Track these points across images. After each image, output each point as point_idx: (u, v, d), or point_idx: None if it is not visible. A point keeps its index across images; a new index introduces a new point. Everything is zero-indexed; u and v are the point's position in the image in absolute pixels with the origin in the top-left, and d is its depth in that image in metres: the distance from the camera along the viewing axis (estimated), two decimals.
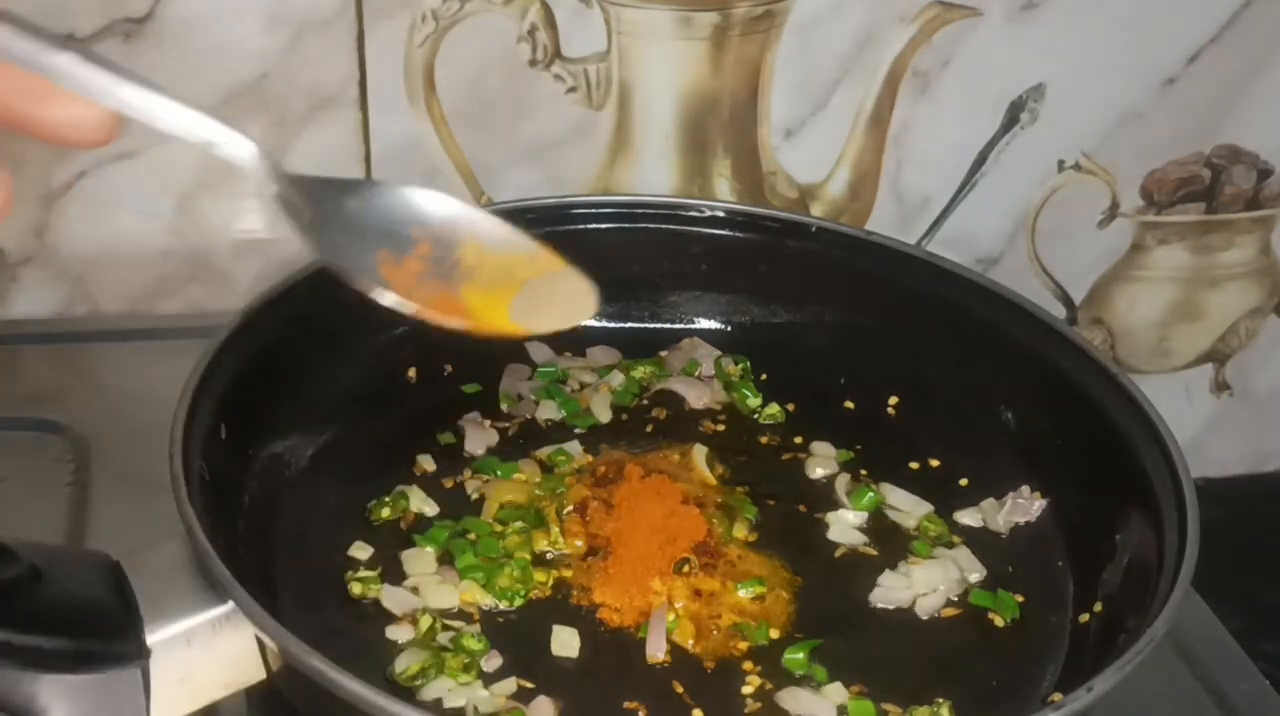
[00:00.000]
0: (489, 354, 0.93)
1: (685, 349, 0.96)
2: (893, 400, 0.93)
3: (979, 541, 0.83)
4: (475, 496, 0.83)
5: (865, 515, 0.84)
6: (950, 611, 0.79)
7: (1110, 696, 0.65)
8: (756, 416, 0.92)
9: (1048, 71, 1.14)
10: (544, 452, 0.86)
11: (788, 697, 0.73)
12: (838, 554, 0.82)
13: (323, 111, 1.06)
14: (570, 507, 0.82)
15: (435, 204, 0.64)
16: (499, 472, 0.84)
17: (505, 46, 1.06)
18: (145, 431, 0.74)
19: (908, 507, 0.85)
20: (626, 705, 0.72)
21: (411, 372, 0.91)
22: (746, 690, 0.73)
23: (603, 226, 0.95)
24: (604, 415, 0.90)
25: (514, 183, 1.11)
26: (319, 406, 0.86)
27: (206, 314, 1.07)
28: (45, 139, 0.52)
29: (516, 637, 0.75)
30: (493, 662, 0.73)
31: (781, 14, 1.08)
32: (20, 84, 0.51)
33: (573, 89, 1.09)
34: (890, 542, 0.83)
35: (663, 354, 0.95)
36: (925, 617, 0.79)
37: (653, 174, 1.13)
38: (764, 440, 0.90)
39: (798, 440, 0.90)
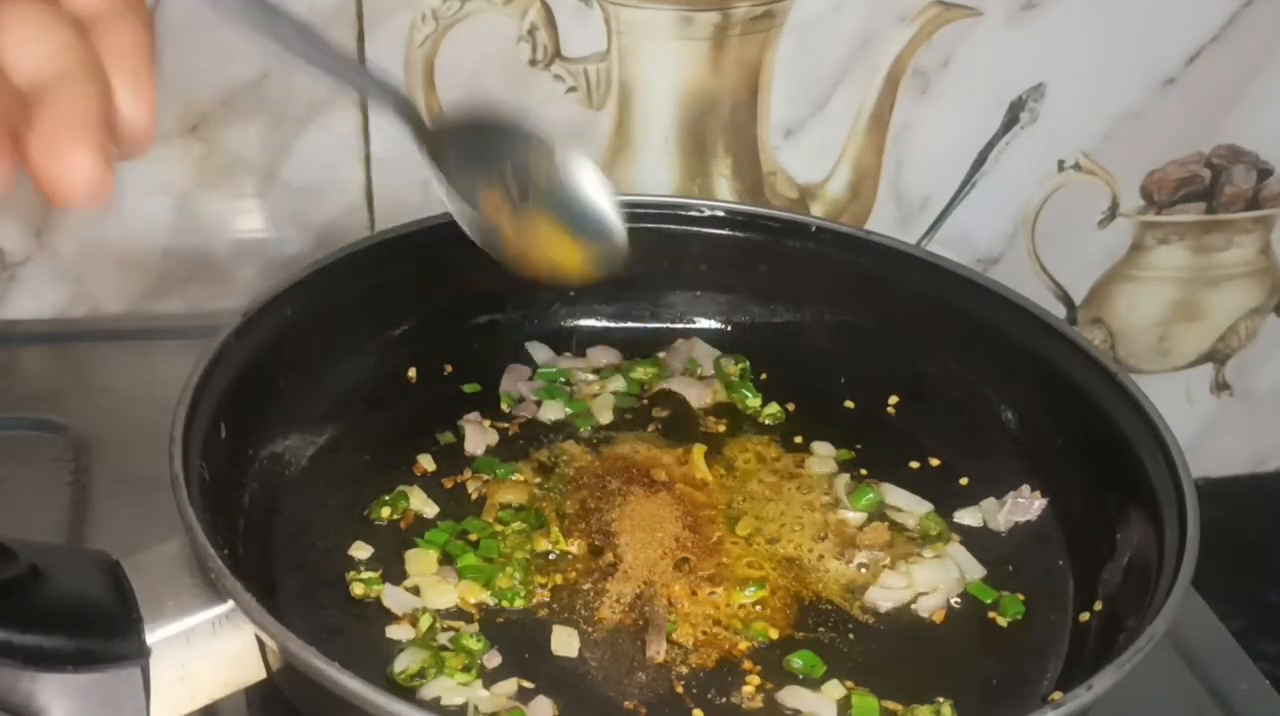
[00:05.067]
0: (489, 354, 0.93)
1: (685, 349, 0.96)
2: (893, 400, 0.93)
3: (979, 541, 0.83)
4: (475, 496, 0.83)
5: (865, 515, 0.84)
6: (950, 611, 0.79)
7: (1110, 695, 0.65)
8: (756, 416, 0.92)
9: (1048, 71, 1.14)
10: (544, 453, 0.87)
11: (788, 697, 0.73)
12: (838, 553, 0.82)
13: (323, 112, 1.06)
14: (570, 508, 0.82)
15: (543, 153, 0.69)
16: (499, 473, 0.84)
17: (505, 46, 1.06)
18: (145, 431, 0.74)
19: (908, 507, 0.85)
20: (626, 705, 0.72)
21: (411, 373, 0.91)
22: (746, 690, 0.73)
23: None
24: (605, 416, 0.90)
25: None
26: (319, 406, 0.86)
27: (206, 314, 1.07)
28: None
29: (516, 637, 0.75)
30: (493, 662, 0.73)
31: (781, 14, 1.08)
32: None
33: (573, 89, 1.09)
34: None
35: (662, 354, 0.95)
36: (925, 617, 0.79)
37: (653, 174, 1.12)
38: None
39: (798, 440, 0.90)
